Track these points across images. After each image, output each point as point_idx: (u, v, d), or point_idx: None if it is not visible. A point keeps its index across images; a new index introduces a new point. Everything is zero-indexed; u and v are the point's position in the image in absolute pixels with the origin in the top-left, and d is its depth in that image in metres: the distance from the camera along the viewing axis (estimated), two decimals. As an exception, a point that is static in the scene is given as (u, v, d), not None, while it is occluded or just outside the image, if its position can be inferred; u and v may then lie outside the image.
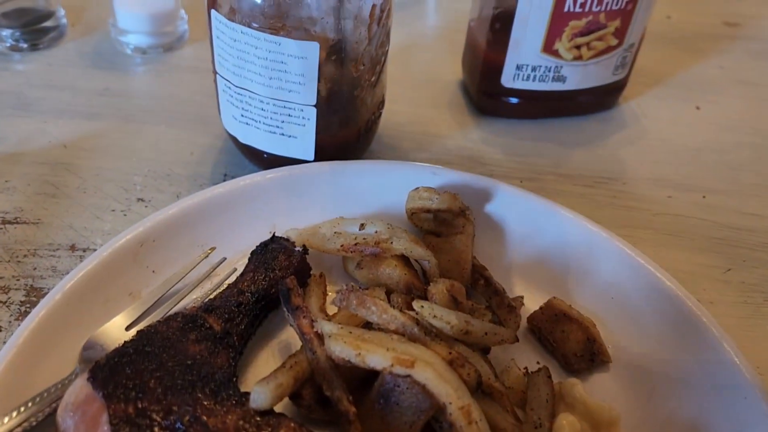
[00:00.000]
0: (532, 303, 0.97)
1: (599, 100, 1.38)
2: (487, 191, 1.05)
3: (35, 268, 1.01)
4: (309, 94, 1.03)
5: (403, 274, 0.92)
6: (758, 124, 1.40)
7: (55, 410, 0.77)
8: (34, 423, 0.76)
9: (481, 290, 0.97)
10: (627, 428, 0.84)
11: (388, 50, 1.13)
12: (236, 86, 1.06)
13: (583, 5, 1.19)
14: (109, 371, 0.75)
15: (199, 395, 0.74)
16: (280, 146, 1.10)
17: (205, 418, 0.72)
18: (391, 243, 0.93)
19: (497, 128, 1.34)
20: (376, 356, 0.77)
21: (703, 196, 1.22)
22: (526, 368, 0.90)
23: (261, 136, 1.10)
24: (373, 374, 0.84)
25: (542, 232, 1.02)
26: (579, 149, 1.31)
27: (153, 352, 0.78)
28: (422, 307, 0.82)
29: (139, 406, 0.72)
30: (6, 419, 0.75)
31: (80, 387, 0.75)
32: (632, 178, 1.26)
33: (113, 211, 1.11)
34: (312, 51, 0.98)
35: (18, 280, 0.99)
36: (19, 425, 0.76)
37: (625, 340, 0.94)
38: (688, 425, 0.84)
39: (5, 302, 0.96)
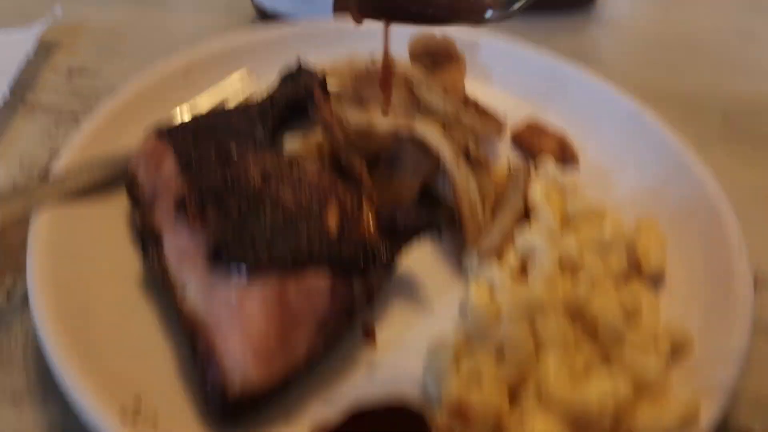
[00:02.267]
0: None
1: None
2: (476, 42, 1.24)
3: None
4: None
5: (408, 88, 1.10)
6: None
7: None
8: (114, 172, 0.95)
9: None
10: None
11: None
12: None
13: None
14: (173, 130, 0.94)
15: (246, 145, 0.93)
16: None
17: (248, 155, 0.90)
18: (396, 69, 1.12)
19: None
20: (383, 120, 0.96)
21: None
22: (508, 159, 1.09)
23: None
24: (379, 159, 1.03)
25: (522, 71, 1.22)
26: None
27: (205, 122, 0.96)
28: (421, 86, 1.00)
29: (200, 144, 0.90)
30: (82, 173, 0.93)
31: (147, 139, 0.94)
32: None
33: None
34: None
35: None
36: (96, 180, 0.94)
37: (590, 147, 1.12)
38: (637, 196, 1.02)
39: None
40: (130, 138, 0.98)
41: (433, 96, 1.00)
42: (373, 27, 1.25)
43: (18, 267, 0.87)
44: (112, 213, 0.93)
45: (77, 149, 0.96)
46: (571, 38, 1.51)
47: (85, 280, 0.83)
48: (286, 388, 0.74)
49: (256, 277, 0.75)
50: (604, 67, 1.31)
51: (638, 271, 0.90)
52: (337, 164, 1.00)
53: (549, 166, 1.01)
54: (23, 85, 1.22)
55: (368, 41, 1.22)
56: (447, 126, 0.98)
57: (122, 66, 1.30)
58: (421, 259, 0.94)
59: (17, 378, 0.81)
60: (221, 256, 0.76)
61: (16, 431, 0.77)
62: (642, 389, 0.73)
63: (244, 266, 0.75)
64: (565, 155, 1.10)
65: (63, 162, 0.93)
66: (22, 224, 0.85)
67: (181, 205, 0.82)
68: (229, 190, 0.84)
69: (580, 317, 0.81)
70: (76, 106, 1.21)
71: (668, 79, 1.40)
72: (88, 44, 1.36)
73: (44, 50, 1.31)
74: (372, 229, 0.85)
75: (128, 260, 0.88)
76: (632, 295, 0.82)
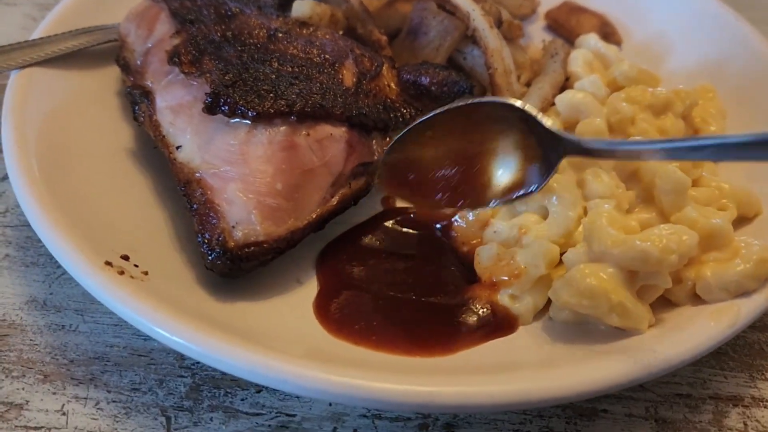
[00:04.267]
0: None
1: None
2: None
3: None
4: None
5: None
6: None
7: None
8: (101, 42, 0.85)
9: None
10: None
11: None
12: None
13: None
14: (166, -10, 0.84)
15: (247, 6, 0.82)
16: None
17: (252, 14, 0.80)
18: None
19: None
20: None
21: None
22: (543, 40, 0.97)
23: None
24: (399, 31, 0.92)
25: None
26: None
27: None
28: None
29: (195, 3, 0.80)
30: (67, 39, 0.83)
31: (139, 3, 0.84)
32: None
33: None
34: None
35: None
36: (82, 46, 0.84)
37: (635, 29, 1.01)
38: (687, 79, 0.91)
39: None
40: (121, 12, 0.88)
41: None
42: None
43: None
44: (98, 83, 0.83)
45: (62, 15, 0.86)
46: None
47: (67, 141, 0.74)
48: (293, 244, 0.64)
49: (260, 125, 0.65)
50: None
51: (695, 141, 0.80)
52: (353, 34, 0.89)
53: (590, 38, 0.90)
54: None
55: None
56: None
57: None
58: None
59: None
60: (220, 101, 0.65)
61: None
62: (708, 242, 0.63)
63: (247, 112, 0.65)
64: (607, 35, 0.98)
65: (45, 27, 0.83)
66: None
67: (174, 57, 0.71)
68: (230, 44, 0.74)
69: (633, 182, 0.71)
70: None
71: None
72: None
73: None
74: (393, 90, 0.75)
75: (117, 125, 0.79)
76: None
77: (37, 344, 0.67)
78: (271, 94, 0.66)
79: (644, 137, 0.72)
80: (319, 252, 0.70)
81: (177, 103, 0.70)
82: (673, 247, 0.57)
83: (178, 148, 0.68)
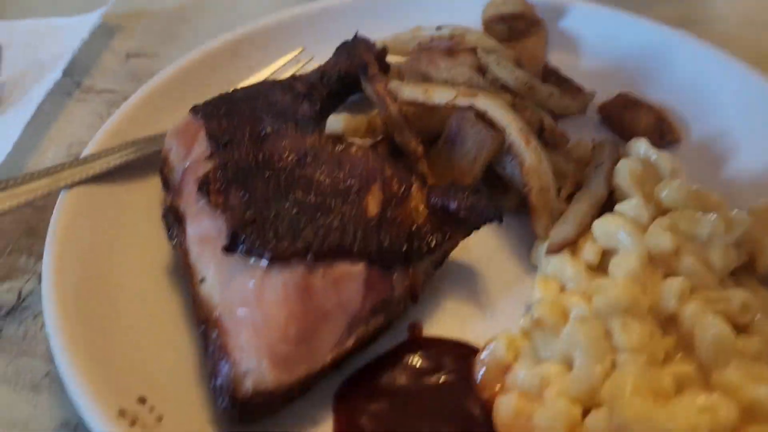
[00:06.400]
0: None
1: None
2: (560, 7, 1.09)
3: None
4: None
5: (475, 60, 0.97)
6: None
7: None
8: (148, 152, 0.88)
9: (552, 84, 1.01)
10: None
11: None
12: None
13: None
14: (208, 105, 0.86)
15: (284, 123, 0.83)
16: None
17: (286, 133, 0.81)
18: (464, 37, 0.99)
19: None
20: (441, 91, 0.84)
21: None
22: (593, 139, 0.92)
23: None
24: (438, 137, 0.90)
25: (615, 40, 1.05)
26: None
27: (245, 98, 0.87)
28: (488, 55, 0.87)
29: (233, 122, 0.82)
30: (114, 154, 0.87)
31: (182, 118, 0.86)
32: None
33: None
34: None
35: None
36: (129, 161, 0.87)
37: (696, 124, 0.94)
38: (753, 183, 0.84)
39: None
40: (172, 121, 0.91)
41: (502, 67, 0.86)
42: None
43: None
44: (145, 196, 0.86)
45: (113, 130, 0.90)
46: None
47: (105, 267, 0.77)
48: (306, 389, 0.64)
49: (276, 266, 0.65)
50: (712, 32, 1.12)
51: (750, 269, 0.73)
52: (390, 142, 0.89)
53: (641, 145, 0.85)
54: (80, 68, 1.19)
55: (435, 11, 1.11)
56: (518, 100, 0.84)
57: (181, 49, 1.24)
58: (482, 248, 0.81)
59: (38, 365, 0.76)
60: (238, 242, 0.66)
61: (33, 417, 0.72)
62: (750, 413, 0.57)
63: (263, 253, 0.65)
64: (664, 133, 0.92)
65: (96, 143, 0.87)
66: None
67: (203, 186, 0.73)
68: (259, 171, 0.75)
69: (672, 327, 0.65)
70: (131, 89, 1.15)
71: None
72: (148, 28, 1.32)
73: (105, 34, 1.28)
74: (421, 213, 0.73)
75: (156, 245, 0.81)
76: (740, 301, 0.65)
77: (65, 472, 0.69)
78: (289, 233, 0.66)
79: (689, 274, 0.67)
80: (336, 389, 0.68)
81: (204, 234, 0.71)
82: (704, 428, 0.52)
83: (201, 280, 0.69)
